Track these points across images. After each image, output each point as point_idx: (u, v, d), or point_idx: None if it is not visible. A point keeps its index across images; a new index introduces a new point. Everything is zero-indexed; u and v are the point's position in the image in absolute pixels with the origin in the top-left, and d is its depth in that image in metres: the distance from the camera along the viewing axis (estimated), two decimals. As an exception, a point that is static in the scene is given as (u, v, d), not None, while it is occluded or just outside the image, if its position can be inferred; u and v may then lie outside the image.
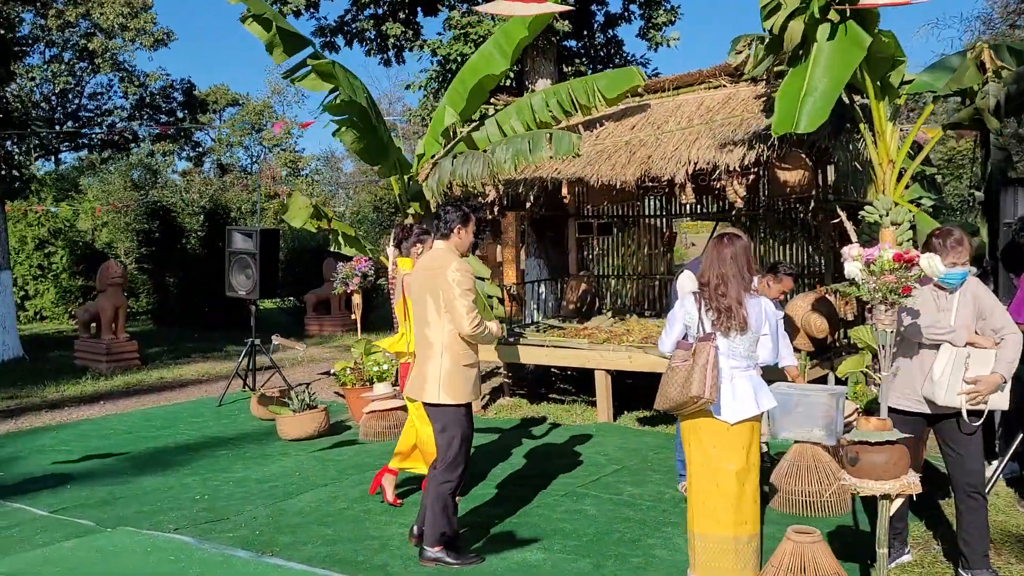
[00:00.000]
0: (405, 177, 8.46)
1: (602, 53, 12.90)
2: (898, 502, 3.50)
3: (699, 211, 9.78)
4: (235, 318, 17.11)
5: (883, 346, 3.70)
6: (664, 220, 10.22)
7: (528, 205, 8.14)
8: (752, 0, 5.98)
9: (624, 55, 13.16)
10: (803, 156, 8.19)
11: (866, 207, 6.24)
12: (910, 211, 6.02)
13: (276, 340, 9.25)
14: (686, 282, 5.56)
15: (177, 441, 8.02)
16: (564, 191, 8.15)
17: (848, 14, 5.34)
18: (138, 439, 8.13)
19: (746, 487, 4.20)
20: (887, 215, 6.04)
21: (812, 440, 5.45)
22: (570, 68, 12.18)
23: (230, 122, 42.34)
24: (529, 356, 8.47)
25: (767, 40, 6.46)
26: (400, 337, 5.86)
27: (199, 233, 17.58)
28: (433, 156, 8.51)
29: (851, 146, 8.03)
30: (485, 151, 7.38)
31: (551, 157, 7.14)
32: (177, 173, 35.27)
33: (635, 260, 10.32)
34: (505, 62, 7.99)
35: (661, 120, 7.96)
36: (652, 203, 10.15)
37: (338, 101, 7.13)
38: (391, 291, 8.57)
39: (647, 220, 10.26)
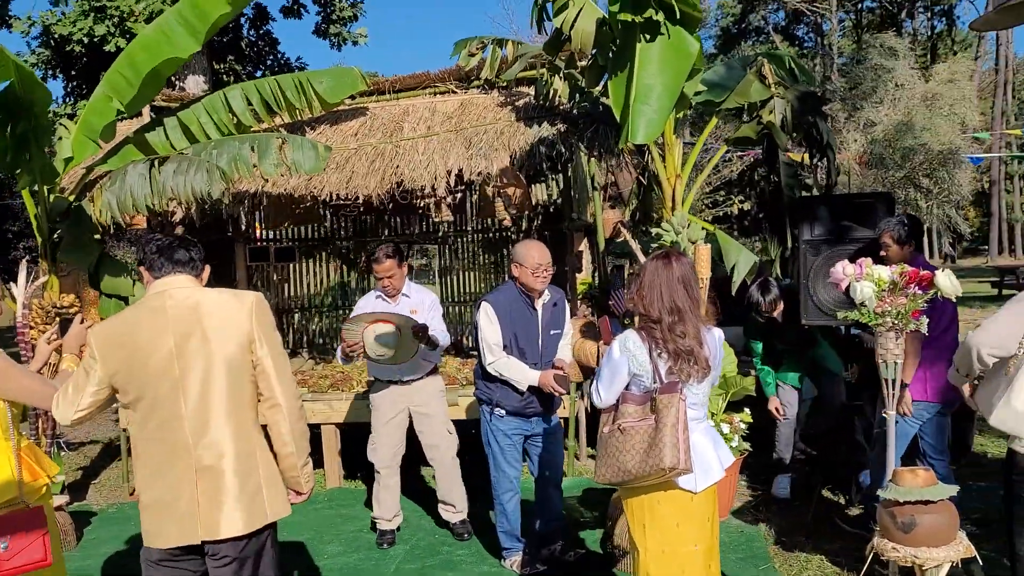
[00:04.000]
0: (45, 188, 6.18)
1: (251, 52, 11.17)
2: (946, 568, 2.96)
3: (397, 232, 8.76)
4: None
5: (890, 380, 3.15)
6: (357, 243, 9.01)
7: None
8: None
9: (279, 55, 11.56)
10: (518, 173, 7.69)
11: (662, 224, 5.86)
12: (704, 228, 5.76)
13: None
14: (487, 320, 4.56)
15: None
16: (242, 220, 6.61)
17: (677, 15, 4.82)
18: None
19: (711, 569, 3.38)
20: (683, 232, 5.71)
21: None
22: (222, 65, 10.31)
23: None
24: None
25: (549, 39, 5.79)
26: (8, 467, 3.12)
27: None
28: (87, 161, 6.37)
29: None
30: (194, 156, 5.58)
31: (289, 169, 5.61)
32: None
33: (323, 289, 8.95)
34: (195, 43, 6.17)
35: (391, 126, 6.83)
36: (343, 223, 8.87)
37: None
38: (23, 347, 6.23)
39: (338, 243, 8.96)
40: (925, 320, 3.15)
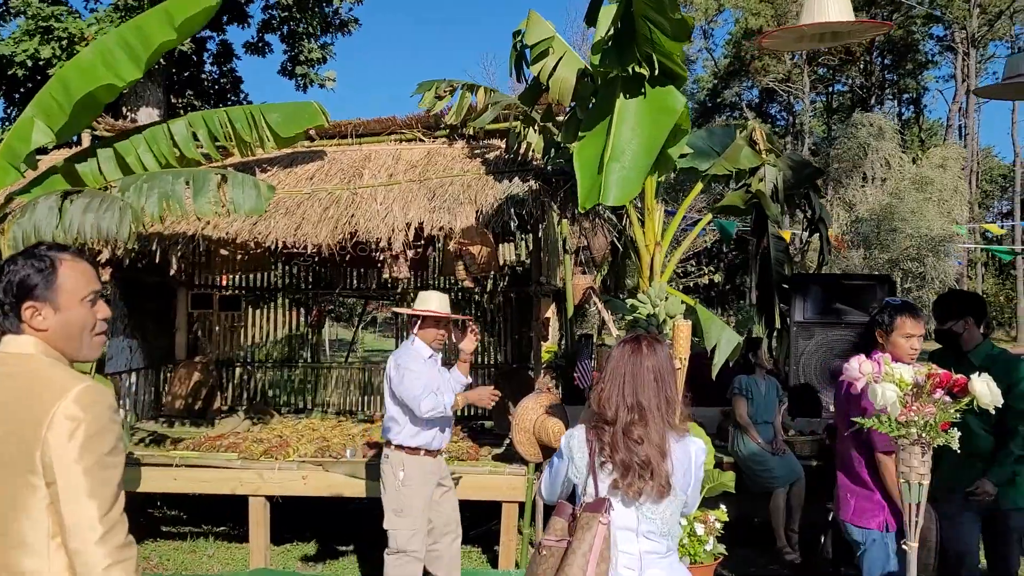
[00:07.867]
0: (-44, 217, 5.54)
1: (213, 88, 10.66)
2: None
3: (354, 286, 8.20)
4: None
5: (914, 504, 2.61)
6: (310, 295, 8.41)
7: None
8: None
9: (241, 93, 11.05)
10: (487, 232, 7.19)
11: (638, 296, 5.35)
12: (684, 301, 5.25)
13: None
14: None
15: None
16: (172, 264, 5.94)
17: (657, 71, 4.39)
18: None
19: None
20: (661, 306, 5.19)
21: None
22: (180, 100, 9.78)
23: None
24: (151, 482, 5.99)
25: (527, 86, 5.34)
26: None
27: None
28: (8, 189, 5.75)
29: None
30: (115, 194, 4.98)
31: (228, 210, 5.02)
32: None
33: (269, 344, 8.30)
34: (137, 70, 5.63)
35: (350, 172, 6.29)
36: (296, 273, 8.28)
37: None
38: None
39: (288, 294, 8.34)
40: (956, 434, 2.61)
